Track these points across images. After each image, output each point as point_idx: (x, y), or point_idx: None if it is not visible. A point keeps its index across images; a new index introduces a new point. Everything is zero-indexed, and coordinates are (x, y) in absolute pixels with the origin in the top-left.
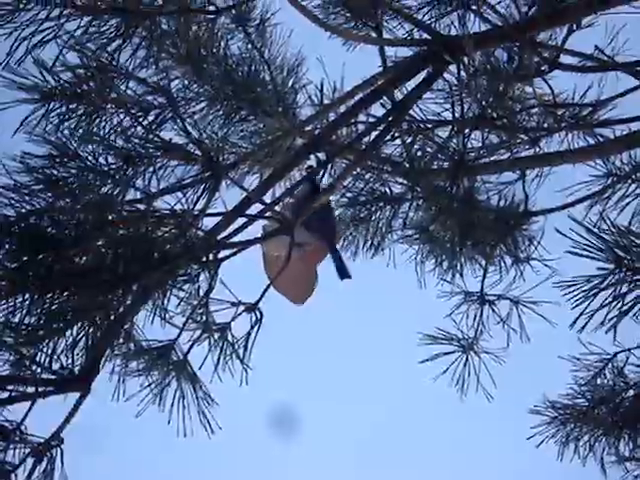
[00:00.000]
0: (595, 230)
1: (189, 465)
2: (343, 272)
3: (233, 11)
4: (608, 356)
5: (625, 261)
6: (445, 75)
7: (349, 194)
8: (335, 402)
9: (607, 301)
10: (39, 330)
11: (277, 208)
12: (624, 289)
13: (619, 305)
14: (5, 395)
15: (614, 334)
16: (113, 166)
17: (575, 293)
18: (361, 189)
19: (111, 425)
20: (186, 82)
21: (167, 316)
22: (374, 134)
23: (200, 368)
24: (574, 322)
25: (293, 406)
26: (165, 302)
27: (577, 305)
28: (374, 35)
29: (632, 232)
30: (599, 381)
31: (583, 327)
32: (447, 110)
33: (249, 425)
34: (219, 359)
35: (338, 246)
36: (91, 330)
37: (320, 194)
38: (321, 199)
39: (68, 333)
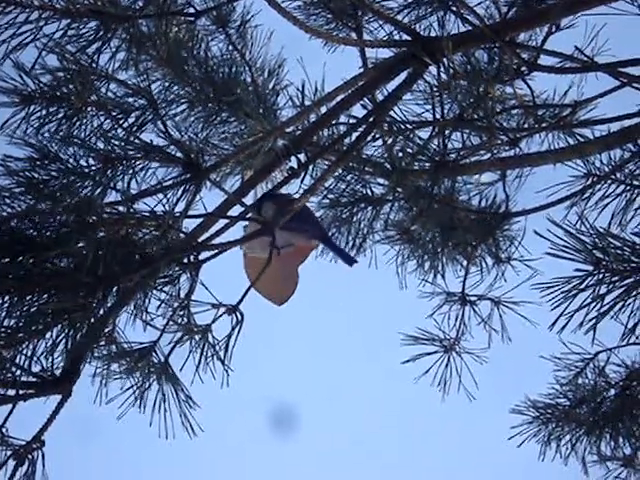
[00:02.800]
0: (574, 232)
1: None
2: (348, 259)
3: (213, 13)
4: (589, 356)
5: (604, 262)
6: (425, 76)
7: (331, 195)
8: (316, 403)
9: (586, 302)
10: (19, 332)
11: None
12: (603, 290)
13: (598, 306)
14: None
15: (593, 335)
16: (94, 168)
17: (554, 294)
18: (342, 190)
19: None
20: (166, 84)
21: (148, 318)
22: (355, 135)
23: (181, 370)
24: (554, 323)
25: (276, 405)
26: (146, 304)
27: (557, 306)
28: (355, 36)
29: (610, 234)
30: (580, 381)
31: (563, 328)
32: (427, 111)
33: (235, 425)
34: (200, 361)
35: (329, 237)
36: (71, 332)
37: (292, 202)
38: (302, 202)
39: (48, 335)
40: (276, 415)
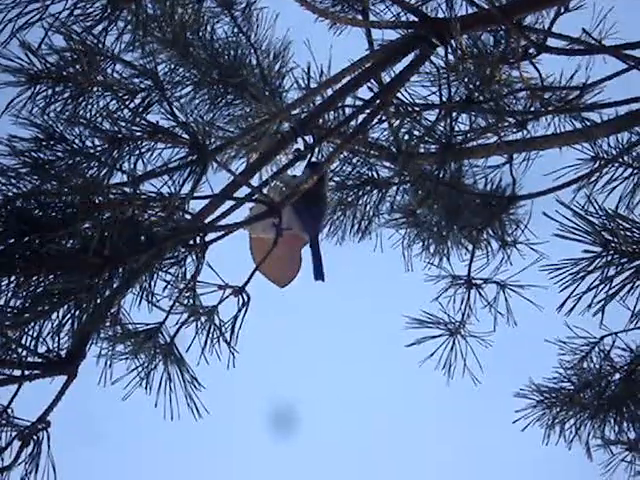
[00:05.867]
0: (582, 213)
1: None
2: (319, 273)
3: None
4: (595, 340)
5: (612, 244)
6: (432, 58)
7: (337, 178)
8: (320, 386)
9: (594, 284)
10: (25, 313)
11: (265, 191)
12: (611, 272)
13: (606, 288)
14: None
15: (602, 317)
16: (99, 149)
17: (562, 276)
18: (348, 173)
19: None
20: (172, 66)
21: (154, 299)
22: (361, 117)
23: (187, 351)
24: (562, 305)
25: (278, 392)
26: (152, 285)
27: (564, 288)
28: (361, 18)
29: (619, 215)
30: (585, 365)
31: (570, 310)
32: (434, 93)
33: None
34: (206, 342)
35: (320, 244)
36: (77, 313)
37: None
38: (311, 181)
39: (54, 316)
40: (278, 400)
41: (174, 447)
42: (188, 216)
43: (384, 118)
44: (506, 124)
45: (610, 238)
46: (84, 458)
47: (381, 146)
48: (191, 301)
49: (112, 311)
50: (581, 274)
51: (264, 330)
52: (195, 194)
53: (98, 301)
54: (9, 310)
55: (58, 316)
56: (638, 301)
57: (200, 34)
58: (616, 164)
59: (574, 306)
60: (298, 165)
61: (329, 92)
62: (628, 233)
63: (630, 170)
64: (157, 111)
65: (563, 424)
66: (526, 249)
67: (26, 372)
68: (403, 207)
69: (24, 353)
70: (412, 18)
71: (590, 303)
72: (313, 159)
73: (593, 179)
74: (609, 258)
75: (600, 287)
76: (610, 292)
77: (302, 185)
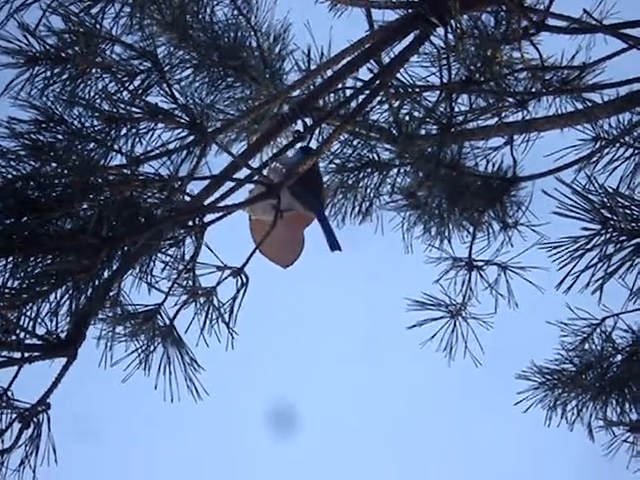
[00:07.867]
0: (582, 191)
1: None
2: (333, 244)
3: None
4: (596, 321)
5: (611, 222)
6: (432, 38)
7: (337, 160)
8: (320, 368)
9: (593, 262)
10: (23, 293)
11: (264, 172)
12: (610, 250)
13: (605, 266)
14: None
15: (600, 296)
16: (97, 128)
17: (561, 254)
18: (349, 155)
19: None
20: (171, 49)
21: (153, 280)
22: (361, 98)
23: (186, 332)
24: (560, 283)
25: (275, 374)
26: (151, 266)
27: (563, 266)
28: None
29: (619, 193)
30: (587, 346)
31: (569, 288)
32: (434, 74)
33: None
34: (205, 323)
35: (327, 216)
36: (75, 294)
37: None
38: (307, 164)
39: (52, 297)
40: (275, 384)
41: (172, 432)
42: (187, 197)
43: (384, 99)
44: (507, 104)
45: (609, 216)
46: (83, 441)
47: (381, 128)
48: (190, 282)
49: (111, 293)
50: (580, 252)
51: (262, 311)
52: (194, 176)
53: (96, 282)
54: (7, 291)
55: (56, 297)
56: (637, 279)
57: (200, 16)
58: (617, 144)
59: (573, 284)
60: (298, 146)
61: (329, 73)
62: (627, 211)
63: (631, 150)
64: (157, 93)
65: (565, 406)
66: (527, 231)
67: (26, 354)
68: (404, 189)
69: (23, 335)
70: None
71: (589, 281)
72: (304, 144)
73: (594, 160)
74: (608, 236)
75: (599, 265)
76: (609, 270)
77: (298, 168)
